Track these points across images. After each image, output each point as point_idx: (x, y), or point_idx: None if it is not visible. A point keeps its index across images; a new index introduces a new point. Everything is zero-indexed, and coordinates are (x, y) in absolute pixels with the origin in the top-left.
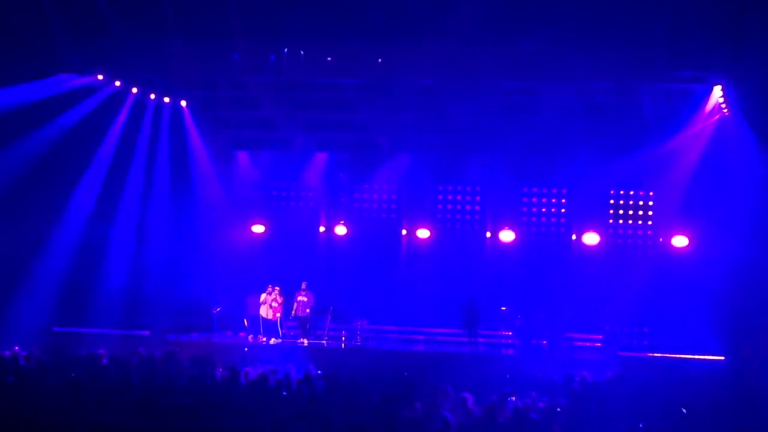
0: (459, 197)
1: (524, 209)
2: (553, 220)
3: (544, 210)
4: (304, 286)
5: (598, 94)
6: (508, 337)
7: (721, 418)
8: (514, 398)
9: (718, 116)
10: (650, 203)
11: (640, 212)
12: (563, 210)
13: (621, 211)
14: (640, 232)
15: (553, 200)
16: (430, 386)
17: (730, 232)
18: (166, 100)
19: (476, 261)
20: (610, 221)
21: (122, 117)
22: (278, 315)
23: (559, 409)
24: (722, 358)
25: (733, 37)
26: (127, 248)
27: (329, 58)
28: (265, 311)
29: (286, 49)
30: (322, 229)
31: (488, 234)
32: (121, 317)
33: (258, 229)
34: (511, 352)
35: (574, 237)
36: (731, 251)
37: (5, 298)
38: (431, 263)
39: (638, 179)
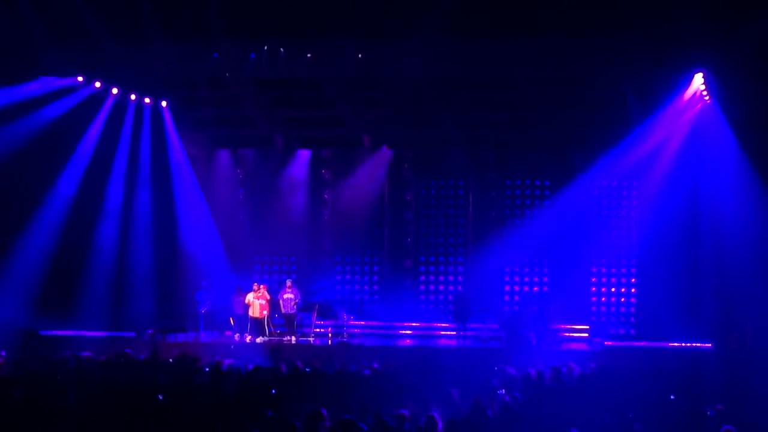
0: (443, 192)
1: (508, 202)
2: (537, 212)
3: (528, 203)
4: (289, 283)
5: (579, 85)
6: (494, 330)
7: (709, 405)
8: (503, 391)
9: (699, 104)
10: (634, 192)
11: (624, 202)
12: (547, 203)
13: (605, 203)
14: (624, 221)
15: (537, 192)
16: (417, 382)
17: (714, 220)
18: (147, 100)
19: (462, 255)
20: (595, 213)
21: (103, 117)
22: (265, 313)
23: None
24: (709, 345)
25: (714, 24)
26: (110, 249)
27: (309, 55)
28: (251, 310)
29: (265, 47)
30: (306, 226)
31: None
32: (106, 319)
33: (241, 228)
34: (497, 345)
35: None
36: (716, 238)
37: None
38: (417, 258)
39: (622, 170)
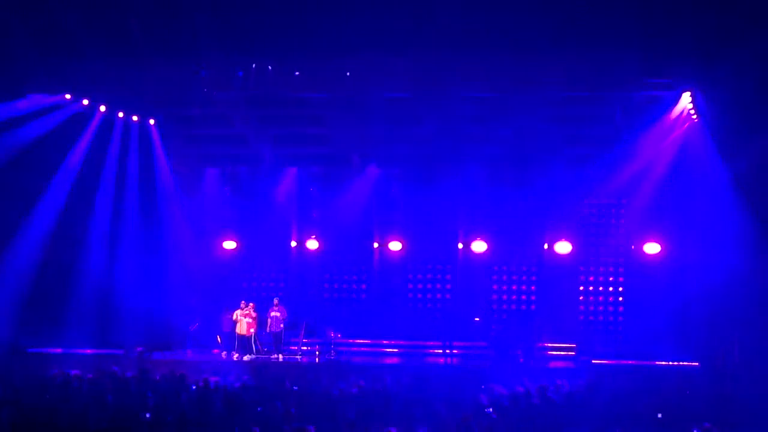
0: (431, 209)
1: (497, 219)
2: (525, 229)
3: (516, 219)
4: (276, 301)
5: (569, 103)
6: (482, 347)
7: (696, 423)
8: (491, 410)
9: (687, 123)
10: (622, 211)
11: (613, 220)
12: (536, 219)
13: (593, 219)
14: (612, 240)
15: (526, 209)
16: (405, 400)
17: (701, 238)
18: (135, 118)
19: (449, 272)
20: (583, 229)
21: (91, 135)
22: (252, 331)
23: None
24: (696, 364)
25: (702, 44)
26: (98, 266)
27: (297, 73)
28: (239, 327)
29: (254, 65)
30: (293, 243)
31: (460, 245)
32: (93, 336)
33: (229, 245)
34: (485, 362)
35: (546, 246)
36: (703, 257)
37: None
38: (404, 275)
39: (610, 187)
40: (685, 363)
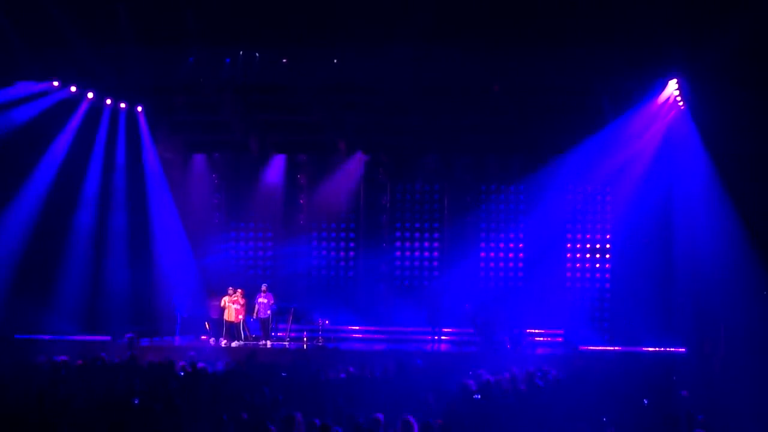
0: (418, 196)
1: (483, 206)
2: (512, 216)
3: (502, 207)
4: (264, 288)
5: (554, 92)
6: (469, 334)
7: (682, 409)
8: (478, 396)
9: (673, 110)
10: (608, 198)
11: (599, 207)
12: (522, 207)
13: (580, 206)
14: (598, 226)
15: (512, 197)
16: (393, 386)
17: (687, 225)
18: (122, 105)
19: (437, 259)
20: (569, 217)
21: (78, 122)
22: (240, 317)
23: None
24: (683, 350)
25: (689, 30)
26: (85, 252)
27: (284, 60)
28: (227, 314)
29: (241, 52)
30: (281, 230)
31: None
32: (81, 323)
33: (217, 232)
34: (472, 349)
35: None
36: (689, 243)
37: None
38: (391, 263)
39: (596, 175)
40: (671, 349)
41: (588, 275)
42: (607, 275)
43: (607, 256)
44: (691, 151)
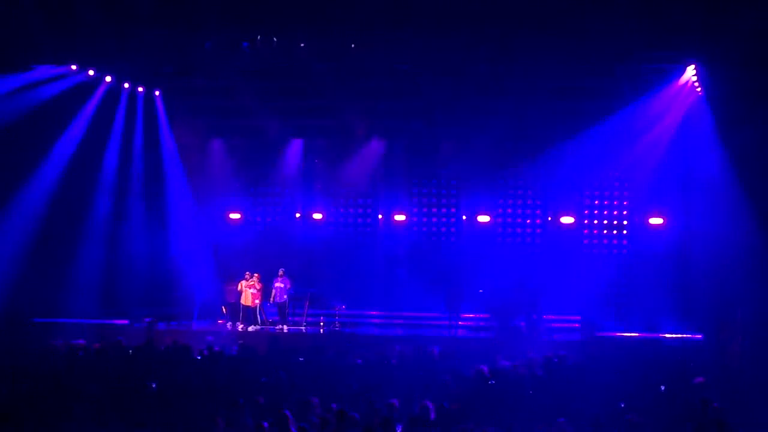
0: (434, 181)
1: (500, 190)
2: (529, 202)
3: (520, 192)
4: (281, 272)
5: (572, 76)
6: (486, 319)
7: (699, 394)
8: (494, 382)
9: (691, 96)
10: (626, 183)
11: (616, 192)
12: (539, 193)
13: (596, 192)
14: (615, 212)
15: (529, 182)
16: (410, 371)
17: (704, 210)
18: (140, 89)
19: (453, 244)
20: (586, 202)
21: (97, 106)
22: (257, 302)
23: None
24: (700, 336)
25: (707, 15)
26: (103, 236)
27: (302, 45)
28: (243, 298)
29: (258, 37)
30: (298, 215)
31: (464, 217)
32: (98, 307)
33: (234, 216)
34: (489, 334)
35: (549, 218)
36: (706, 229)
37: None
38: (408, 247)
39: (613, 160)
40: (688, 336)
41: (605, 261)
42: (625, 261)
43: (624, 242)
44: (708, 137)
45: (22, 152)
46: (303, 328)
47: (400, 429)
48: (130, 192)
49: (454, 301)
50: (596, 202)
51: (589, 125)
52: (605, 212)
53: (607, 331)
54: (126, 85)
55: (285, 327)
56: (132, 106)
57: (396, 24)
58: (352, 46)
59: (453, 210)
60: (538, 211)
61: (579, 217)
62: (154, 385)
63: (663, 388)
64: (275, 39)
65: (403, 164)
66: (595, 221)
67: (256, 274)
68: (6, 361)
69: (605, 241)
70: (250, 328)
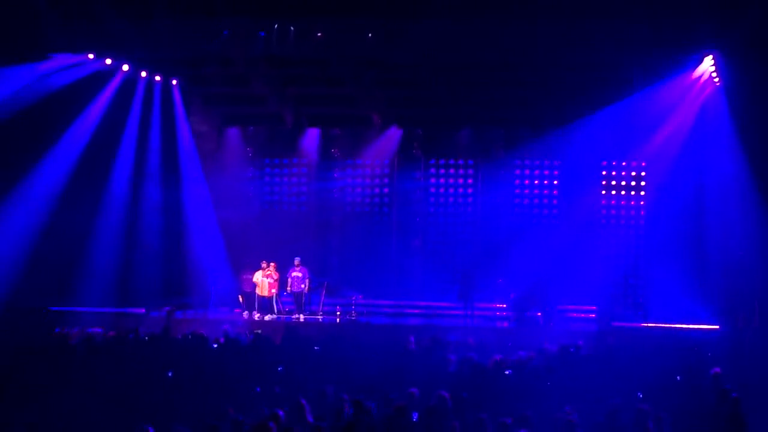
0: (452, 170)
1: (516, 182)
2: (545, 192)
3: (536, 182)
4: (297, 261)
5: (588, 68)
6: (502, 309)
7: (716, 386)
8: (508, 372)
9: (709, 86)
10: (642, 174)
11: (633, 183)
12: (556, 182)
13: (613, 182)
14: (633, 202)
15: (546, 172)
16: (425, 362)
17: (721, 201)
18: (157, 78)
19: (470, 234)
20: (603, 192)
21: (114, 94)
22: (273, 291)
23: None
24: (716, 327)
25: (725, 6)
26: (118, 225)
27: (319, 34)
28: (260, 288)
29: (275, 25)
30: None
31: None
32: (114, 296)
33: (251, 205)
34: (505, 324)
35: (566, 208)
36: (724, 220)
37: None
38: (424, 237)
39: (630, 150)
40: (705, 326)
41: (622, 250)
42: (641, 250)
43: (641, 232)
44: (725, 128)
45: (39, 140)
46: (319, 317)
47: (416, 417)
48: (146, 180)
49: (470, 291)
50: (613, 192)
51: (606, 115)
52: (622, 202)
53: (623, 321)
54: (143, 74)
55: (301, 316)
56: (149, 95)
57: (412, 14)
58: (369, 35)
59: (470, 200)
60: (554, 199)
61: (596, 205)
62: (170, 374)
63: (679, 378)
64: (292, 28)
65: (420, 152)
66: (612, 211)
67: (272, 263)
68: (22, 348)
69: (621, 231)
70: (267, 318)
